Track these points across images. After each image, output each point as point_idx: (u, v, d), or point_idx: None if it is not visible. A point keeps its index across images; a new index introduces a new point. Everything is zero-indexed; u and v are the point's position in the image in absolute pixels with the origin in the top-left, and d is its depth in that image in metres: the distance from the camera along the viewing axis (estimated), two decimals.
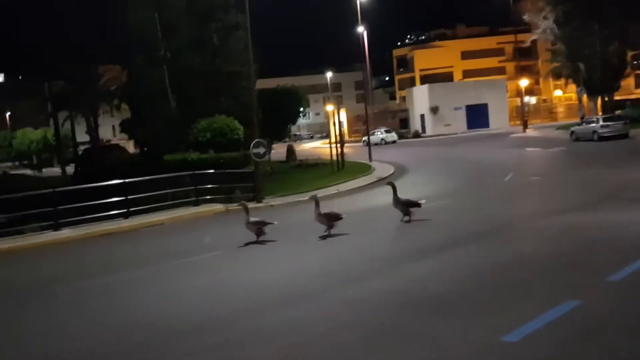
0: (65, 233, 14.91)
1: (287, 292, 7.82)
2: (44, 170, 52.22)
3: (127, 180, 16.51)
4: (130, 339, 6.56)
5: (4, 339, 7.15)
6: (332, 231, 11.27)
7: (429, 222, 12.06)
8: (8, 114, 79.29)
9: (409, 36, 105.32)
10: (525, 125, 50.15)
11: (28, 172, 51.87)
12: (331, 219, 11.46)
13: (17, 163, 60.78)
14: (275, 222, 11.85)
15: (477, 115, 63.96)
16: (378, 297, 7.11)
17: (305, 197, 19.97)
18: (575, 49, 43.92)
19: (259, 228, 11.56)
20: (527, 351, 5.02)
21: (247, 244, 11.56)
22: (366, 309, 6.69)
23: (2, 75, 75.30)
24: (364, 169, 28.48)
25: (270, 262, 10.22)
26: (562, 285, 6.92)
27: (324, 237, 11.26)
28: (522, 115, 52.65)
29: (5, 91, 69.64)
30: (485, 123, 63.92)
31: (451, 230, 11.47)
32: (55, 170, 47.62)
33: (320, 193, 20.70)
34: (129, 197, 16.44)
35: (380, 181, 23.77)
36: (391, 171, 26.86)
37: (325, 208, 11.88)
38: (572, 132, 35.12)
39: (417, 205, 12.18)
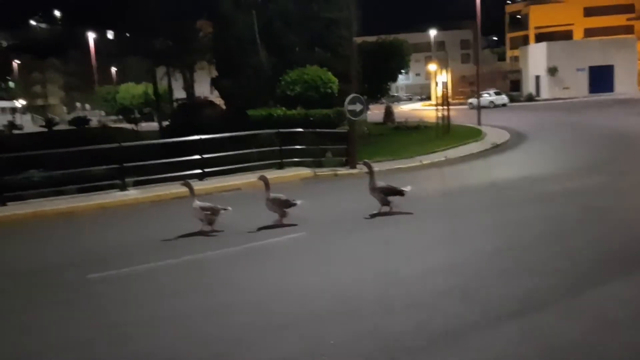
0: (132, 194, 13.15)
1: (406, 315, 5.13)
2: (144, 124, 53.17)
3: (203, 137, 14.43)
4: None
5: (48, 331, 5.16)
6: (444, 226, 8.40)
7: (601, 218, 8.81)
8: (114, 69, 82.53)
9: None
10: None
11: (128, 126, 53.00)
12: (283, 205, 9.04)
13: (120, 117, 62.61)
14: (230, 209, 9.01)
15: (600, 78, 57.35)
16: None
17: (409, 163, 17.08)
18: None
19: (208, 214, 8.86)
20: None
21: (335, 223, 9.02)
22: None
23: (112, 32, 78.36)
24: (473, 133, 25.13)
25: (368, 256, 7.44)
26: None
27: (262, 228, 8.94)
28: None
29: (114, 48, 72.42)
30: (609, 87, 57.30)
31: (636, 227, 8.11)
32: (154, 125, 47.93)
33: (426, 160, 17.74)
34: (206, 156, 14.40)
35: (495, 148, 20.37)
36: (507, 137, 23.40)
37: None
38: None
39: (400, 193, 9.41)
